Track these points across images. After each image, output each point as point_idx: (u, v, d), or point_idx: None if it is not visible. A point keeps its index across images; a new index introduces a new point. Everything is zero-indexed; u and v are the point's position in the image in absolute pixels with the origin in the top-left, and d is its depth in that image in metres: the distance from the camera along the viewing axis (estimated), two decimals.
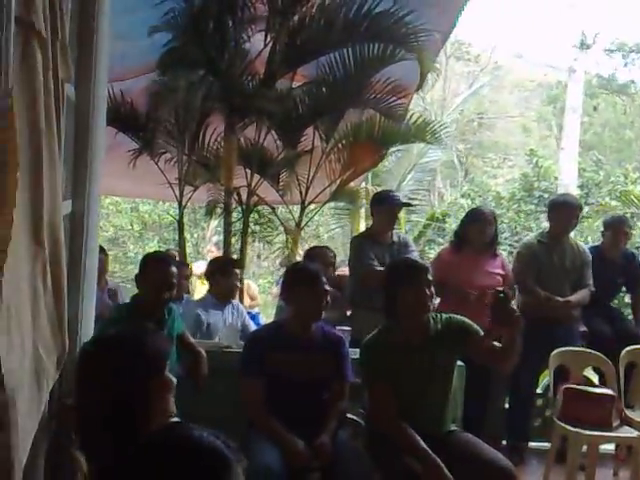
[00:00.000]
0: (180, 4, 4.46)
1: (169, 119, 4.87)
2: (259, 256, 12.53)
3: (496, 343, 2.62)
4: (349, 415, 2.85)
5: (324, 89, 4.90)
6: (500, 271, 4.08)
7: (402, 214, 8.34)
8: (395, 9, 4.32)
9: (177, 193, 5.19)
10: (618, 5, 18.88)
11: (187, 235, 11.63)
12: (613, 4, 19.09)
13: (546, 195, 10.34)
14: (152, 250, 12.08)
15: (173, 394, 1.54)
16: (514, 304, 4.20)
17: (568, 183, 11.56)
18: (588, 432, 3.28)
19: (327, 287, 2.77)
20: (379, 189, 6.08)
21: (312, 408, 2.65)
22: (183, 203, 5.28)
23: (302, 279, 2.76)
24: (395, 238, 4.19)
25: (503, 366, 2.73)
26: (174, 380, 1.56)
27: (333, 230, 9.86)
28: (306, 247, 7.53)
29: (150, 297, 2.83)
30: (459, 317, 2.73)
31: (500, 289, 2.57)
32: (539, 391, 4.29)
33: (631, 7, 18.82)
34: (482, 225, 4.02)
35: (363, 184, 7.00)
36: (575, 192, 10.18)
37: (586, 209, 9.33)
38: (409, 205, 5.21)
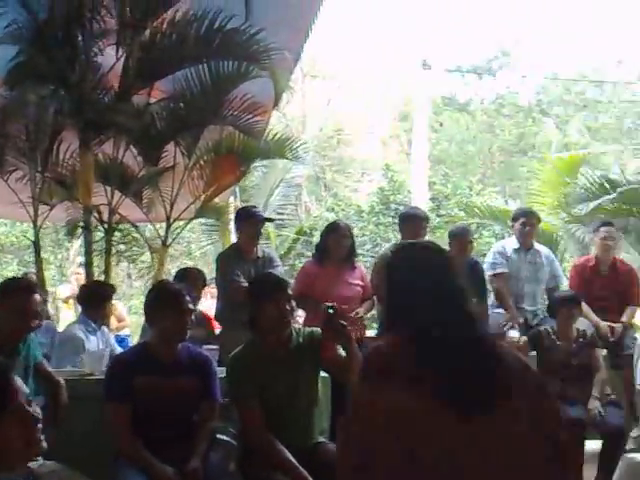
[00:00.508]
0: (23, 15, 4.23)
1: (19, 135, 4.59)
2: (130, 276, 12.01)
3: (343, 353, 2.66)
4: (220, 436, 2.79)
5: (182, 105, 4.86)
6: (359, 282, 4.26)
7: (272, 229, 8.42)
8: (246, 27, 4.38)
9: (31, 213, 4.86)
10: (455, 29, 20.63)
11: (50, 256, 10.89)
12: (451, 27, 20.73)
13: (401, 208, 10.93)
14: (11, 274, 11.17)
15: (36, 429, 1.45)
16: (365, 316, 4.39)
17: (420, 196, 12.30)
18: None
19: (191, 306, 2.75)
20: (247, 204, 6.10)
21: (181, 431, 2.60)
22: (39, 223, 4.94)
23: (164, 298, 2.69)
24: (260, 253, 4.26)
25: (348, 378, 2.65)
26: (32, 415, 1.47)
27: (204, 247, 9.72)
28: (177, 265, 7.34)
29: (10, 327, 2.65)
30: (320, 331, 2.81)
31: (329, 304, 2.59)
32: None
33: (466, 32, 20.66)
34: (338, 237, 4.20)
35: (231, 199, 6.97)
36: (427, 205, 10.84)
37: (437, 220, 9.98)
38: (271, 220, 5.29)
